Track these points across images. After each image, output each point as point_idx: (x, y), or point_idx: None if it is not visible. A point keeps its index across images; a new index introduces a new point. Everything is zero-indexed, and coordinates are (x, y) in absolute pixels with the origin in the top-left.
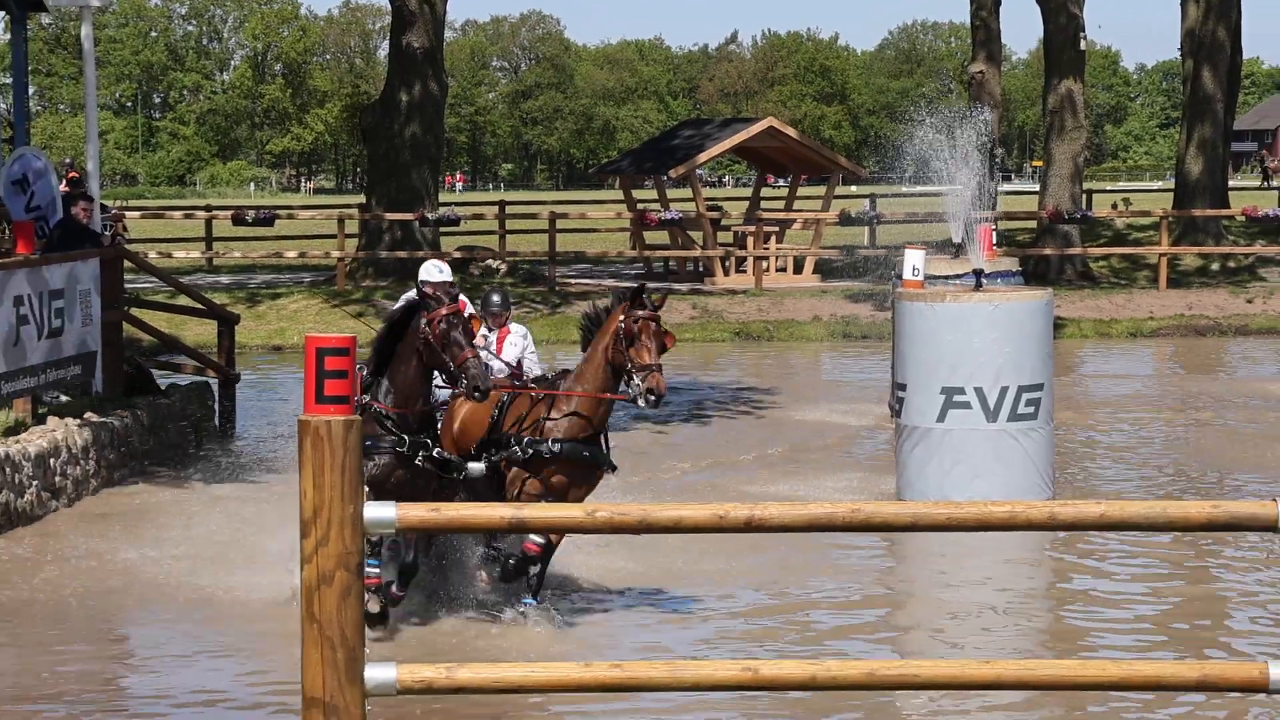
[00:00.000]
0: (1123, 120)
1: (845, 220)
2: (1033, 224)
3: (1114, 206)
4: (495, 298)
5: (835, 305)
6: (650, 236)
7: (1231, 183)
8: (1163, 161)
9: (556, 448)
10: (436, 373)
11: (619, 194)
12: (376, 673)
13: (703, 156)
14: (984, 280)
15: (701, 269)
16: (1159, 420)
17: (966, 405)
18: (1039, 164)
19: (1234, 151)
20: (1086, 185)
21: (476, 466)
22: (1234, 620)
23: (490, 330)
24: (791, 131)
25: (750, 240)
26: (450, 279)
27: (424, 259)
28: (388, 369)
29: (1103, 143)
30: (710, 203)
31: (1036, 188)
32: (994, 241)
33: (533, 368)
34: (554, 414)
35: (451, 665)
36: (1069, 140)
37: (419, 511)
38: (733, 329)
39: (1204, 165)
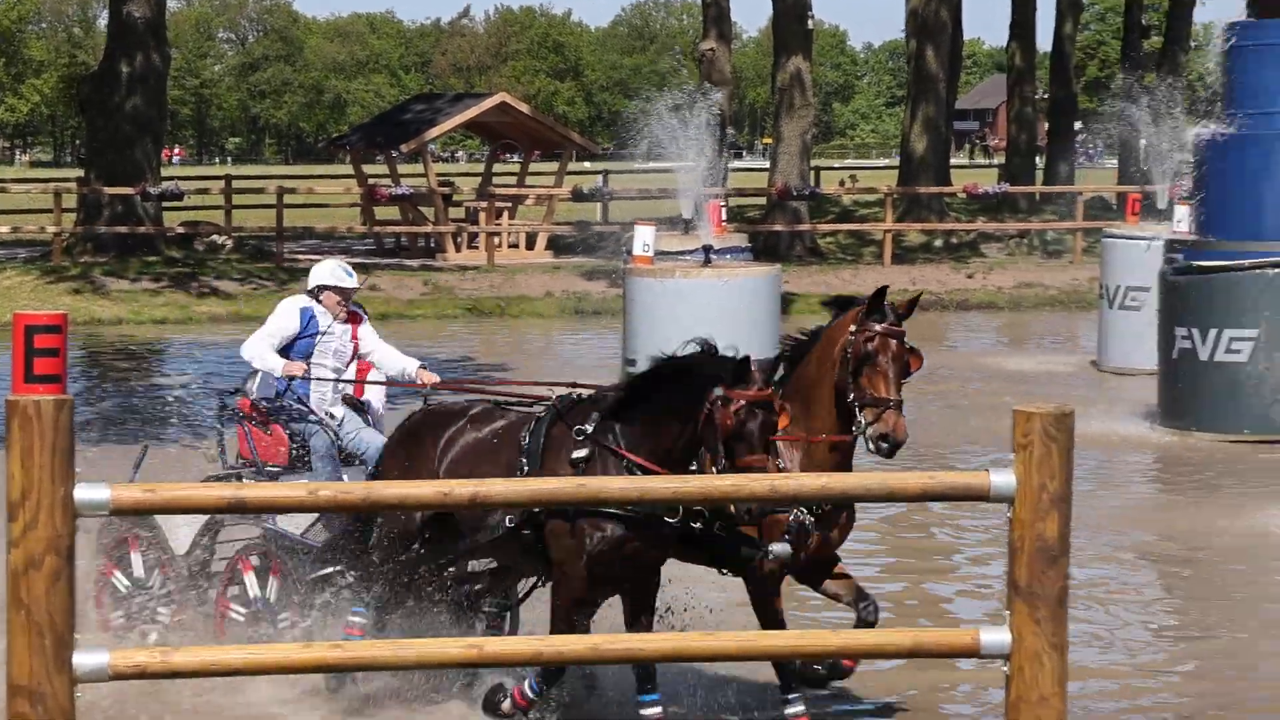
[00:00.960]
0: (850, 98)
1: (578, 196)
2: (762, 200)
3: (841, 183)
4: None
5: (568, 281)
6: (381, 212)
7: (954, 160)
8: (889, 139)
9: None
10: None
11: (349, 169)
12: (87, 659)
13: (434, 131)
14: (713, 256)
15: (433, 245)
16: None
17: None
18: (769, 141)
19: (956, 130)
20: (815, 162)
21: (781, 548)
22: (956, 588)
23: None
24: (524, 107)
25: (482, 216)
26: (357, 285)
27: (147, 234)
28: (636, 414)
29: (831, 120)
30: (442, 178)
31: (767, 164)
32: (723, 218)
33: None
34: (784, 459)
35: (167, 650)
36: (797, 118)
37: (133, 493)
38: (464, 305)
39: (928, 143)
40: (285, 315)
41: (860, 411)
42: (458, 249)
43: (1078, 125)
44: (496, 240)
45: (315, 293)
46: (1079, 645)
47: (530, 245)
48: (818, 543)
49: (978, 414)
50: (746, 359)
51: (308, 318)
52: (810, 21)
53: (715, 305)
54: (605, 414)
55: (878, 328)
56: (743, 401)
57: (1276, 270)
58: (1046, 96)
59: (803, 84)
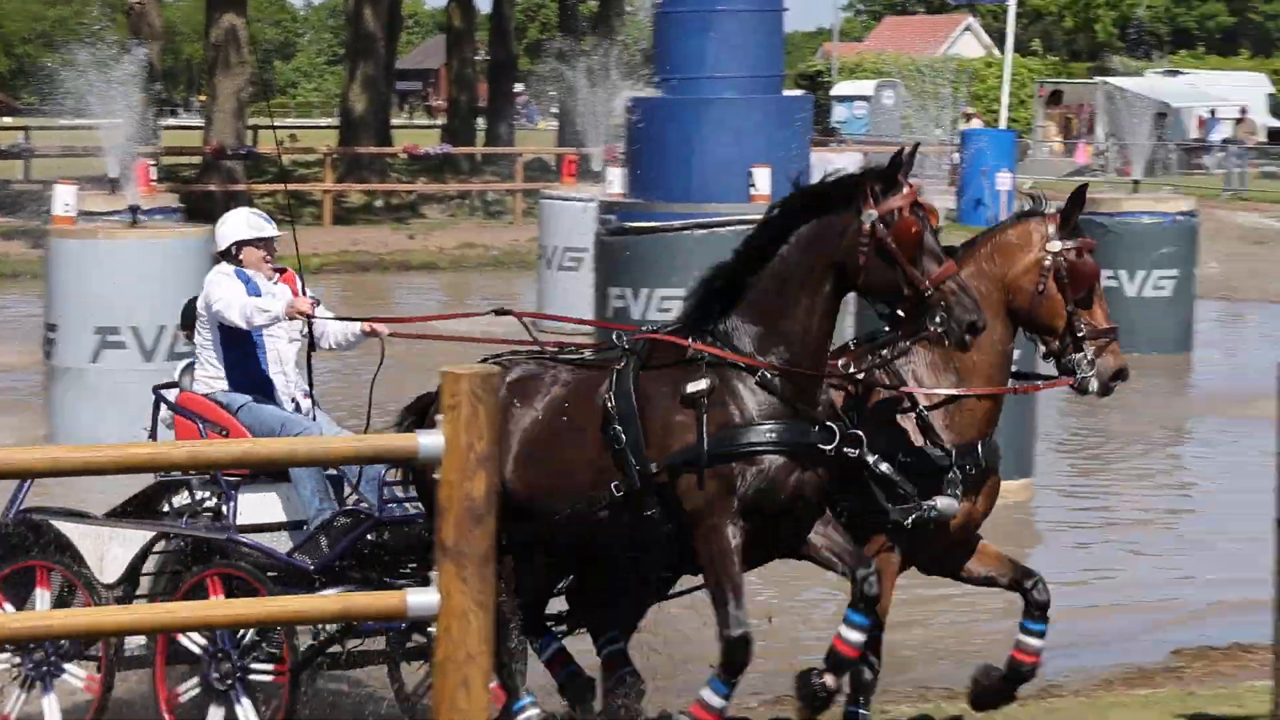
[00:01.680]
0: (292, 56)
1: None
2: (197, 159)
3: (280, 143)
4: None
5: None
6: None
7: (395, 121)
8: (331, 98)
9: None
10: None
11: None
12: None
13: None
14: (141, 217)
15: None
16: (343, 358)
17: (122, 345)
18: (206, 98)
19: (398, 90)
20: (254, 121)
21: (947, 503)
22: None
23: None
24: None
25: None
26: (278, 232)
27: None
28: (752, 298)
29: (272, 79)
30: None
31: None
32: (153, 177)
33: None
34: (929, 406)
35: None
36: (233, 76)
37: None
38: None
39: (368, 103)
40: (226, 277)
41: (1089, 344)
42: None
43: (518, 87)
44: None
45: (232, 253)
46: None
47: None
48: (962, 514)
49: (415, 375)
50: (899, 153)
51: (245, 279)
52: None
53: (142, 267)
54: (710, 317)
55: (1075, 244)
56: (904, 202)
57: (704, 231)
58: (488, 57)
59: (238, 40)
